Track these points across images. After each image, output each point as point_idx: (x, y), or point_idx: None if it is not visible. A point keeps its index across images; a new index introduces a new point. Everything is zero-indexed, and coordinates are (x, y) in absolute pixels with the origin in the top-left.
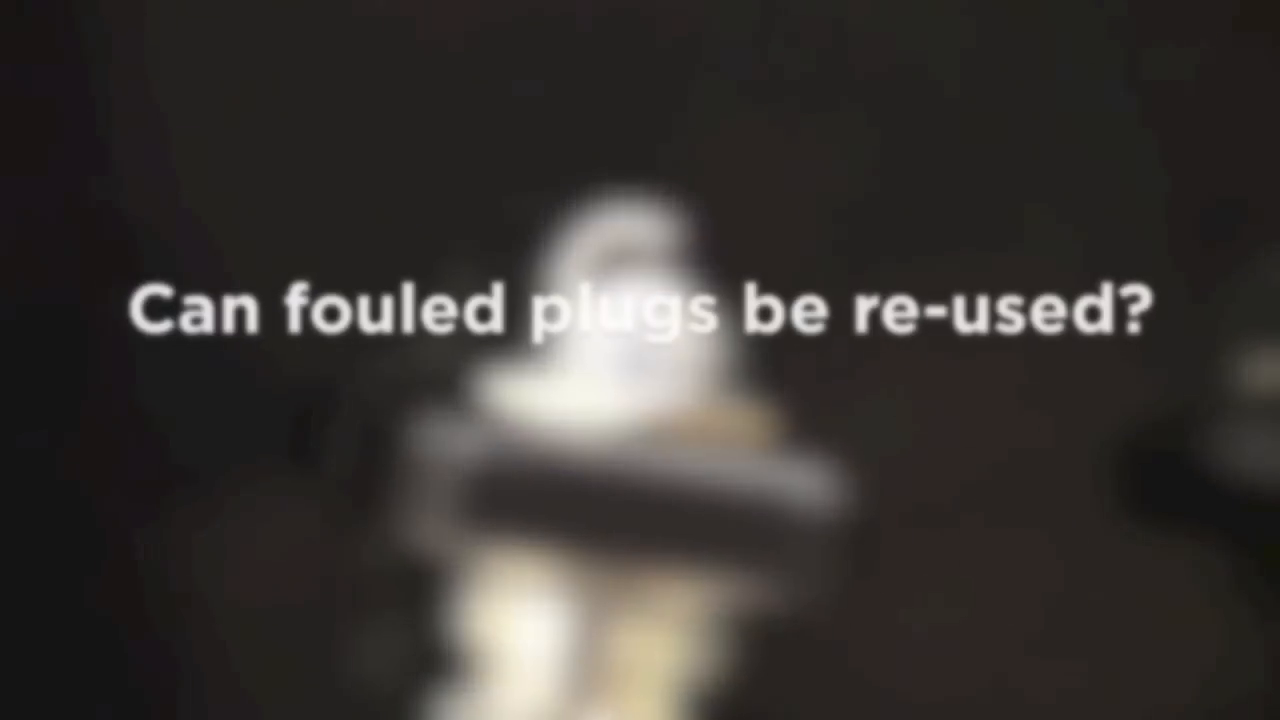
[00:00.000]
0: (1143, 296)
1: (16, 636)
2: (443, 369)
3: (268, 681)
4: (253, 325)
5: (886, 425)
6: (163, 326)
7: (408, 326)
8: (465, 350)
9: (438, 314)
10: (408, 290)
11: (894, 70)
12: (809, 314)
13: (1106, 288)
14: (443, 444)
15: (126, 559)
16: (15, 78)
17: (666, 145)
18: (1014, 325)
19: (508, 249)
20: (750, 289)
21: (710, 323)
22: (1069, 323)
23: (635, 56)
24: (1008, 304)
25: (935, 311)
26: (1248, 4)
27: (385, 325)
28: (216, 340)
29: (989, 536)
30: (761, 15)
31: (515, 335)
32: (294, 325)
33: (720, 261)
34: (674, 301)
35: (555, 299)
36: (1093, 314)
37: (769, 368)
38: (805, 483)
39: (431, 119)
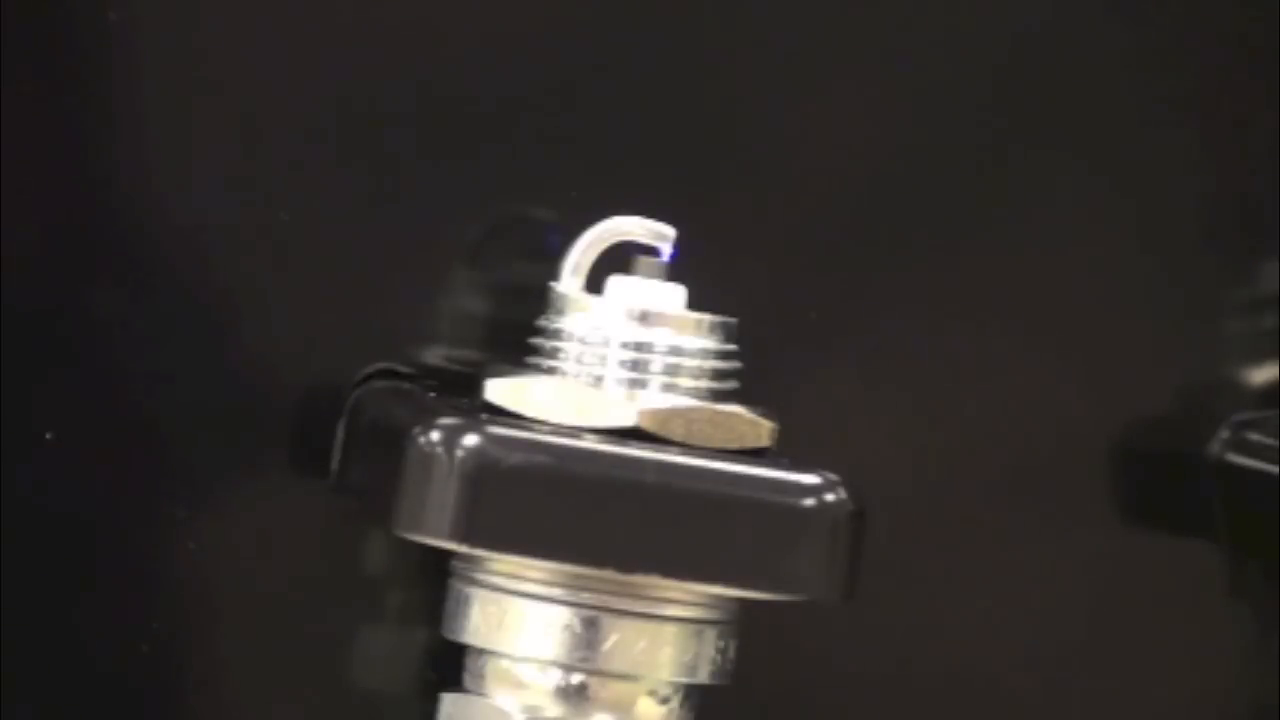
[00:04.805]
0: (1143, 296)
1: (16, 637)
2: (443, 369)
3: (268, 681)
4: (253, 325)
5: (886, 426)
6: (163, 326)
7: (408, 327)
8: (466, 350)
9: (438, 314)
10: (408, 291)
11: (895, 71)
12: (810, 314)
13: (1107, 288)
14: (443, 444)
15: (126, 559)
16: (15, 81)
17: (667, 146)
18: (1014, 325)
19: (508, 249)
20: (750, 289)
21: (710, 323)
22: (1069, 322)
23: (636, 56)
24: (1008, 304)
25: (936, 312)
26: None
27: (386, 326)
28: (217, 340)
29: (988, 537)
30: (762, 14)
31: (516, 335)
32: (294, 325)
33: (720, 262)
34: (674, 301)
35: (556, 299)
36: (1093, 313)
37: (769, 368)
38: (805, 483)
39: (432, 119)
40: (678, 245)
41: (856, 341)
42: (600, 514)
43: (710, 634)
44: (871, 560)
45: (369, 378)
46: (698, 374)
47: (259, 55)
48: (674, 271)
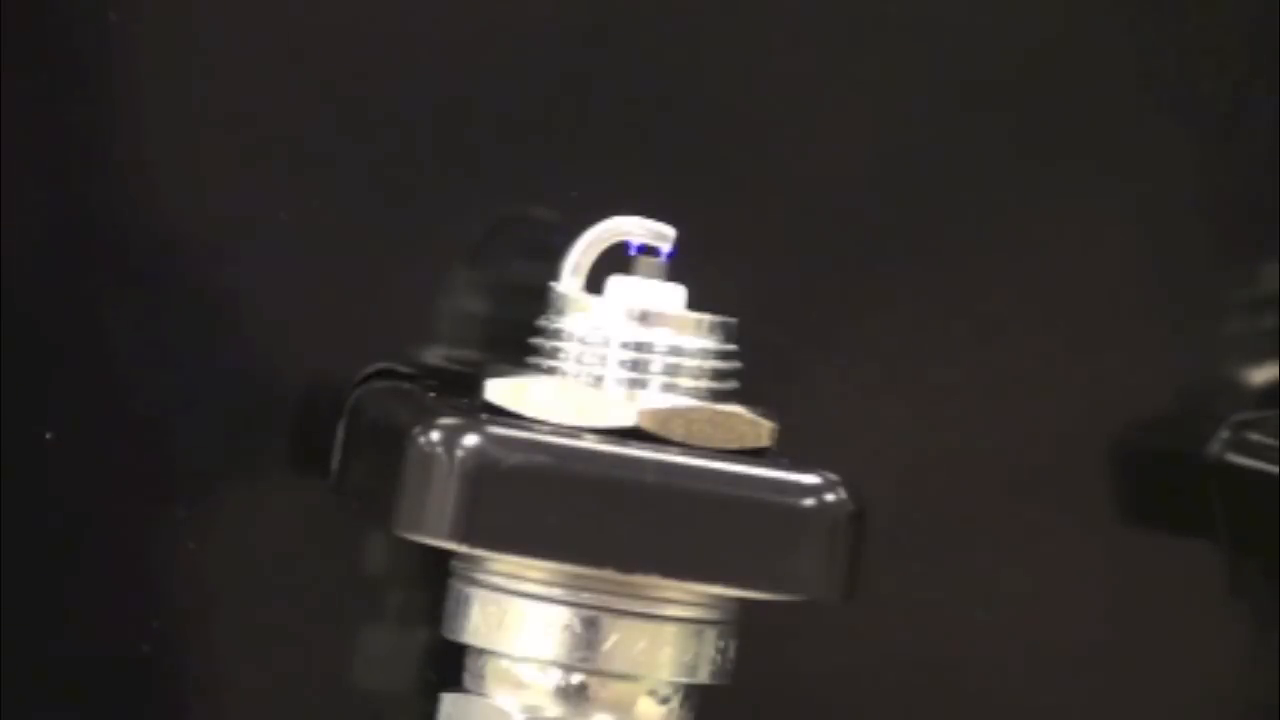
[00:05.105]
0: (1143, 296)
1: (16, 637)
2: (443, 369)
3: (268, 681)
4: (253, 325)
5: (886, 426)
6: (163, 326)
7: (408, 327)
8: (466, 350)
9: (438, 314)
10: (408, 291)
11: (895, 71)
12: (810, 314)
13: (1107, 288)
14: (443, 444)
15: (126, 559)
16: (15, 81)
17: (667, 146)
18: (1013, 325)
19: (508, 249)
20: (750, 289)
21: (710, 323)
22: (1068, 322)
23: (636, 56)
24: (1008, 304)
25: (936, 312)
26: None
27: (386, 326)
28: (217, 340)
29: (988, 537)
30: (762, 15)
31: (516, 335)
32: (294, 325)
33: (720, 262)
34: (674, 301)
35: (556, 299)
36: (1093, 313)
37: (769, 368)
38: (805, 483)
39: (433, 120)
40: (678, 245)
41: (856, 341)
42: (600, 514)
43: (710, 634)
44: (872, 560)
45: (369, 378)
46: (698, 374)
47: (259, 55)
48: (674, 271)
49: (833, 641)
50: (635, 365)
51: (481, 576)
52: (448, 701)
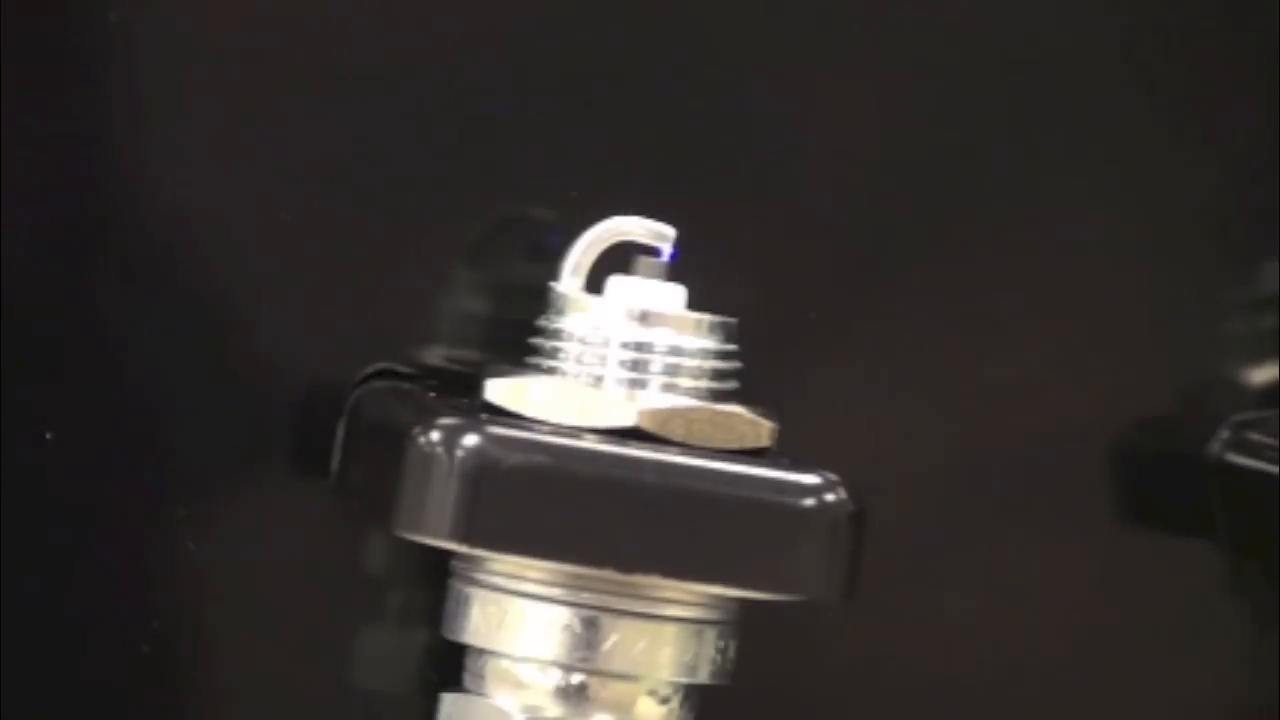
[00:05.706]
0: (1144, 296)
1: (16, 637)
2: (443, 369)
3: (268, 681)
4: (253, 325)
5: (886, 426)
6: (163, 326)
7: (408, 327)
8: (466, 350)
9: (438, 314)
10: (408, 291)
11: (896, 70)
12: (810, 314)
13: (1106, 288)
14: (443, 444)
15: (126, 559)
16: (15, 81)
17: (667, 146)
18: (1013, 325)
19: (508, 249)
20: (750, 289)
21: (710, 323)
22: (1068, 322)
23: (636, 55)
24: (1008, 304)
25: (935, 312)
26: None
27: (386, 326)
28: (217, 340)
29: (988, 536)
30: (762, 14)
31: (516, 335)
32: (294, 325)
33: (720, 262)
34: (674, 301)
35: (556, 299)
36: (1093, 313)
37: (769, 368)
38: (805, 483)
39: (432, 119)
40: (678, 245)
41: (856, 341)
42: (600, 514)
43: (710, 634)
44: (872, 560)
45: (369, 378)
46: (698, 374)
47: (259, 55)
48: (674, 271)
49: (833, 641)
50: (635, 365)
51: (481, 576)
52: (448, 701)
